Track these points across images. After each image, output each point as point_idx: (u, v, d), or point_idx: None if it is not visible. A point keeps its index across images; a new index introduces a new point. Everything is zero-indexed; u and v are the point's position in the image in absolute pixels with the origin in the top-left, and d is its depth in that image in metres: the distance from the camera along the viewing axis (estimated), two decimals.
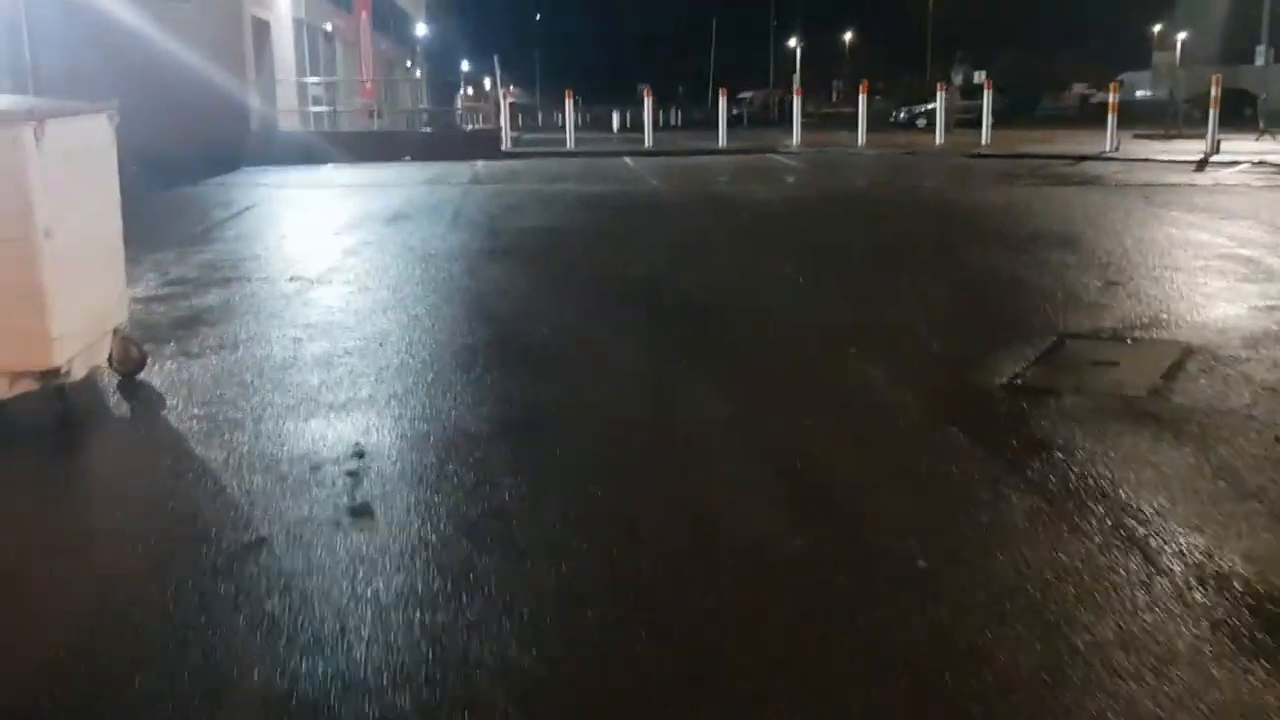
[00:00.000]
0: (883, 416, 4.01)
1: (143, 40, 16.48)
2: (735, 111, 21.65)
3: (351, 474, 3.38)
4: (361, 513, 3.08)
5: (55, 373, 3.79)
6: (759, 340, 5.36)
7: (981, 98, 20.77)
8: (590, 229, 9.93)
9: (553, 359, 4.97)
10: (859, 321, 5.68)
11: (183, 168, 15.85)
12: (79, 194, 4.04)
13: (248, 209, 11.36)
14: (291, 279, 7.03)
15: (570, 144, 20.97)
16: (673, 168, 17.14)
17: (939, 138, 20.87)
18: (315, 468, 3.44)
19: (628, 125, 38.58)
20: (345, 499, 3.18)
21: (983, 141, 19.65)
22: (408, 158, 18.14)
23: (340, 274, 7.25)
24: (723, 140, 20.98)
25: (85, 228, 4.09)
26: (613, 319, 5.86)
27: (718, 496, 3.21)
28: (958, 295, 6.44)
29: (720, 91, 22.33)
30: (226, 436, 3.79)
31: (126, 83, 16.71)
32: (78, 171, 4.04)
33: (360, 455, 3.55)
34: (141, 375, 4.58)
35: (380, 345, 5.12)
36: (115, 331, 4.49)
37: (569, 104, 21.35)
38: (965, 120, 22.09)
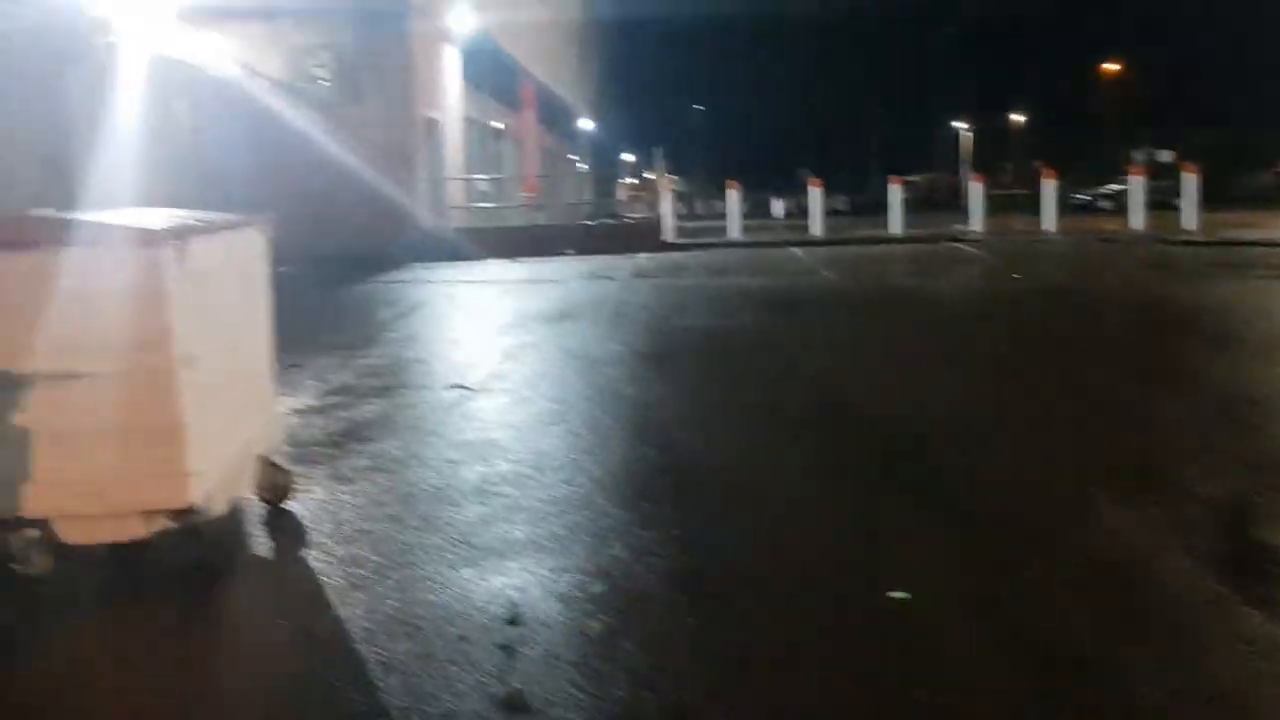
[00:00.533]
0: (1187, 612, 3.24)
1: (316, 140, 17.26)
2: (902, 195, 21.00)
3: (504, 648, 2.89)
4: (514, 707, 2.57)
5: (192, 511, 3.48)
6: (984, 483, 4.53)
7: (1172, 178, 19.33)
8: (762, 329, 9.40)
9: (733, 495, 4.40)
10: (1110, 458, 4.76)
11: (355, 265, 16.33)
12: (226, 314, 3.81)
13: (414, 308, 11.40)
14: (452, 387, 6.76)
15: (734, 234, 20.67)
16: (845, 258, 16.52)
17: (1135, 222, 19.50)
18: (463, 638, 2.97)
19: (794, 211, 38.29)
20: (495, 685, 2.68)
21: (1186, 226, 18.19)
22: (570, 251, 18.19)
23: (501, 381, 6.96)
24: (896, 226, 20.24)
25: (232, 350, 3.84)
26: (798, 443, 5.25)
27: None
28: (1227, 422, 5.39)
29: (890, 178, 21.68)
30: (369, 588, 3.38)
31: (299, 182, 17.55)
32: (225, 289, 3.81)
33: (514, 621, 3.06)
34: (289, 503, 4.28)
35: (540, 471, 4.69)
36: (262, 457, 4.21)
37: (732, 193, 21.12)
38: (1153, 202, 20.59)
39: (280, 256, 14.23)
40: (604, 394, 6.47)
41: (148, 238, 3.31)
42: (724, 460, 4.91)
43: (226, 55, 16.74)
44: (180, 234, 3.39)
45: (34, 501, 3.34)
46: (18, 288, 3.29)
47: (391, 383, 7.04)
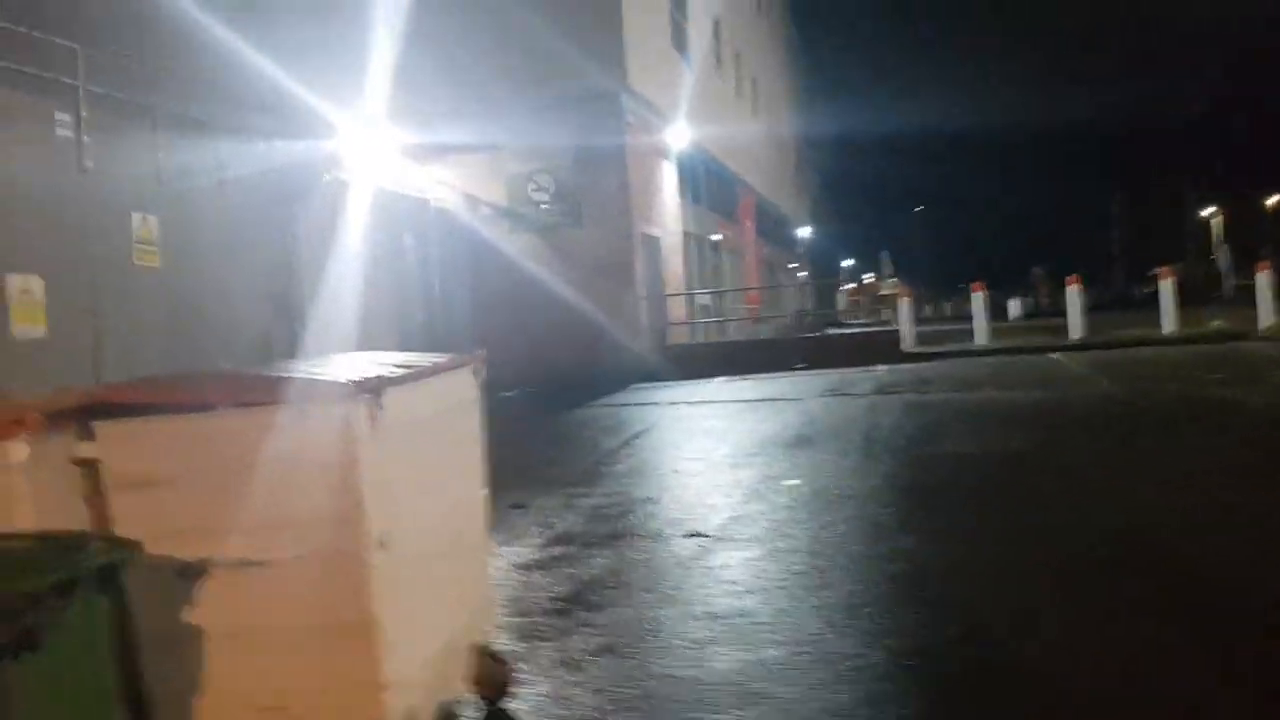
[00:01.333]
0: None
1: (536, 264, 17.40)
2: (1149, 290, 18.87)
3: None
4: None
5: None
6: None
7: None
8: (1045, 456, 8.12)
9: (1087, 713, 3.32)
10: None
11: (577, 388, 16.11)
12: (431, 476, 3.19)
13: (638, 435, 10.82)
14: (689, 534, 5.98)
15: (980, 339, 19.20)
16: (1117, 362, 14.80)
17: None
18: None
19: (1033, 311, 35.98)
20: None
21: None
22: (801, 365, 17.33)
23: (744, 526, 6.11)
24: (1170, 324, 18.18)
25: (439, 520, 3.21)
26: (1136, 626, 4.09)
27: None
28: None
29: (1159, 270, 19.68)
30: None
31: (520, 306, 17.72)
32: (431, 447, 3.20)
33: None
34: (507, 700, 3.56)
35: (813, 661, 3.78)
36: (476, 646, 3.52)
37: (977, 296, 19.72)
38: None
39: (502, 381, 13.79)
40: (871, 545, 5.50)
41: (333, 392, 2.73)
42: (1051, 654, 3.83)
43: (449, 186, 17.27)
44: (374, 386, 2.80)
45: None
46: (184, 459, 2.77)
47: (620, 528, 6.34)
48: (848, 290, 54.46)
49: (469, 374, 3.65)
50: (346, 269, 10.51)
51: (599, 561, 5.55)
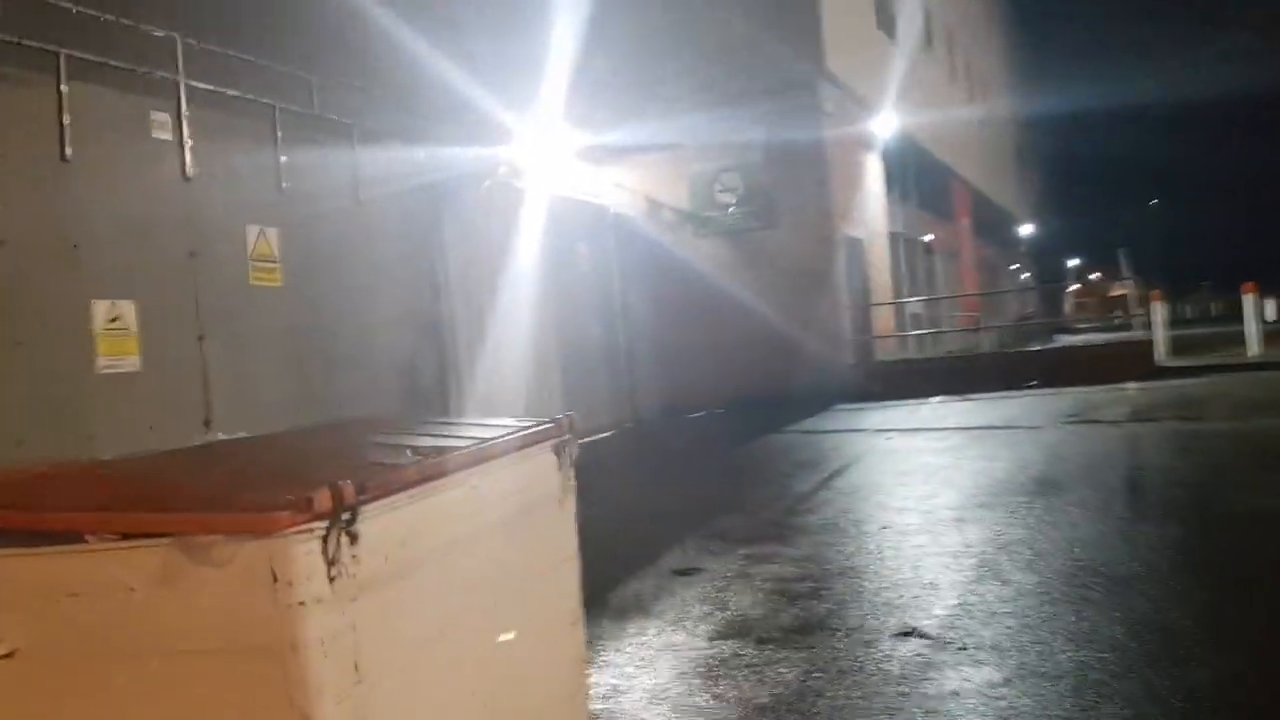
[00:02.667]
0: None
1: (723, 269, 16.16)
2: None
3: None
4: None
5: None
6: None
7: None
8: None
9: None
10: None
11: (769, 410, 14.78)
12: (469, 625, 1.99)
13: (838, 472, 9.38)
14: (903, 632, 4.57)
15: (1254, 350, 16.55)
16: None
17: None
18: None
19: None
20: None
21: None
22: (1032, 382, 15.33)
23: (978, 623, 4.64)
24: None
25: (481, 683, 2.01)
26: None
27: None
28: None
29: None
30: None
31: (706, 318, 16.53)
32: (468, 581, 2.00)
33: None
34: None
35: None
36: None
37: (1248, 299, 17.02)
38: None
39: (687, 403, 12.51)
40: (1176, 668, 3.93)
41: (255, 525, 1.56)
42: None
43: (627, 190, 16.30)
44: (339, 506, 1.61)
45: None
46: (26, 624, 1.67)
47: (811, 616, 4.98)
48: (1073, 291, 50.51)
49: (548, 454, 2.44)
50: (511, 283, 9.61)
51: (780, 674, 4.23)
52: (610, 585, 5.94)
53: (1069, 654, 4.15)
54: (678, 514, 8.17)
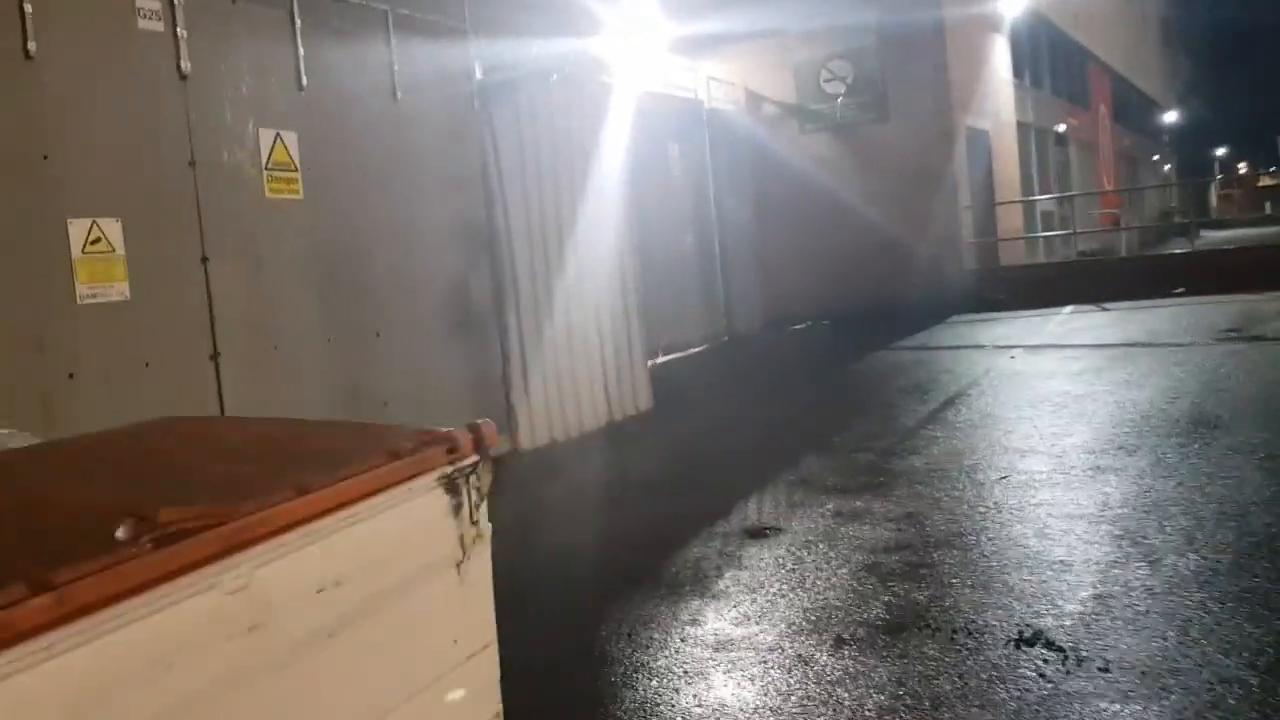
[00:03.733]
0: None
1: (830, 167, 14.82)
2: None
3: None
4: None
5: None
6: None
7: None
8: None
9: None
10: None
11: (879, 321, 13.59)
12: None
13: (952, 400, 8.24)
14: (1022, 640, 3.56)
15: None
16: None
17: None
18: None
19: None
20: None
21: None
22: (1179, 291, 13.71)
23: (1118, 629, 3.59)
24: None
25: None
26: None
27: None
28: None
29: None
30: None
31: (809, 223, 15.26)
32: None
33: None
34: None
35: None
36: None
37: None
38: None
39: (789, 313, 11.21)
40: None
41: None
42: None
43: (723, 83, 14.99)
44: None
45: None
46: None
47: (905, 607, 4.00)
48: (1217, 184, 46.85)
49: (432, 495, 1.50)
50: (586, 190, 8.62)
51: (854, 699, 3.28)
52: (668, 547, 5.06)
53: (1255, 682, 3.09)
54: (762, 450, 7.22)
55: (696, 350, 13.02)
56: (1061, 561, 4.32)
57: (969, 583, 4.18)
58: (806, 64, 15.41)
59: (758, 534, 5.14)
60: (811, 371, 11.06)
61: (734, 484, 6.19)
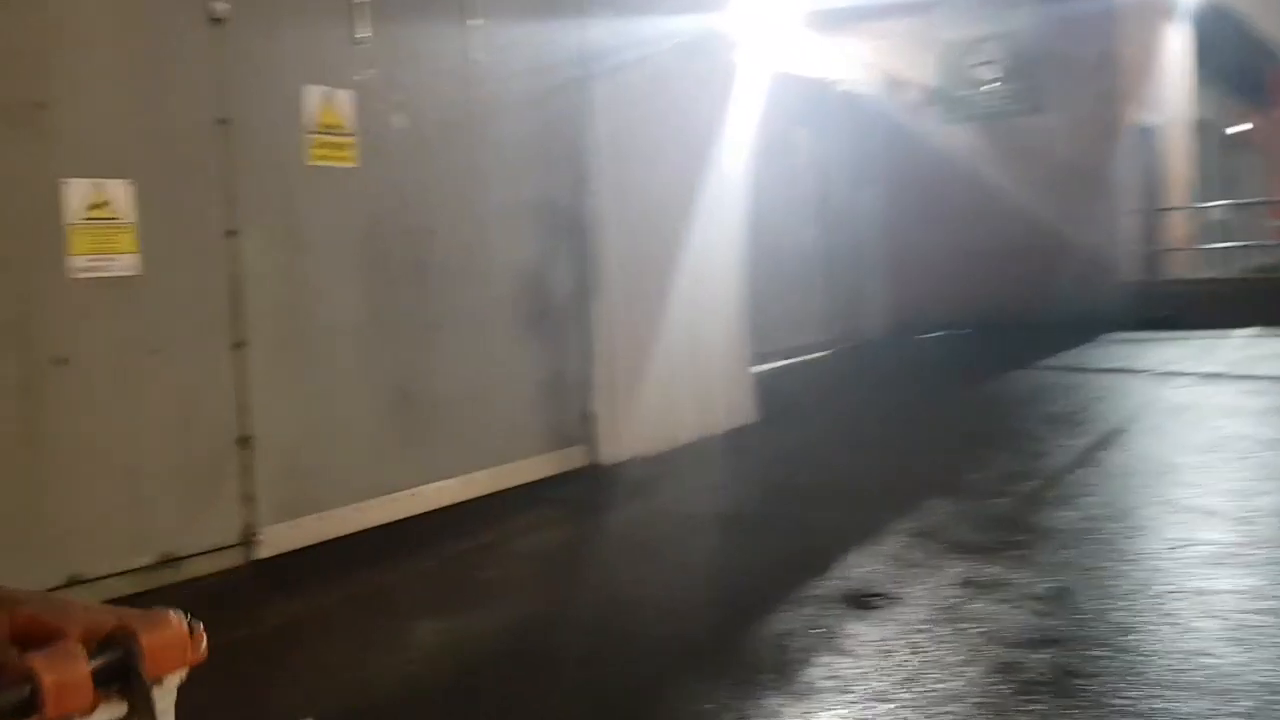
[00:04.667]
0: None
1: (975, 161, 13.52)
2: None
3: None
4: None
5: None
6: None
7: None
8: None
9: None
10: None
11: (1023, 334, 12.29)
12: None
13: (1108, 438, 7.03)
14: None
15: None
16: None
17: None
18: None
19: None
20: None
21: None
22: None
23: None
24: None
25: None
26: None
27: None
28: None
29: None
30: None
31: (951, 218, 13.94)
32: None
33: None
34: None
35: None
36: None
37: None
38: None
39: (922, 319, 9.97)
40: None
41: None
42: None
43: (860, 64, 13.84)
44: None
45: None
46: None
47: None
48: None
49: None
50: (693, 175, 7.72)
51: None
52: (747, 610, 4.12)
53: None
54: (876, 485, 6.19)
55: (812, 357, 11.96)
56: (1264, 684, 3.21)
57: (1139, 710, 3.12)
58: (953, 46, 14.12)
59: (862, 602, 4.16)
60: (942, 388, 9.90)
61: (838, 528, 5.20)
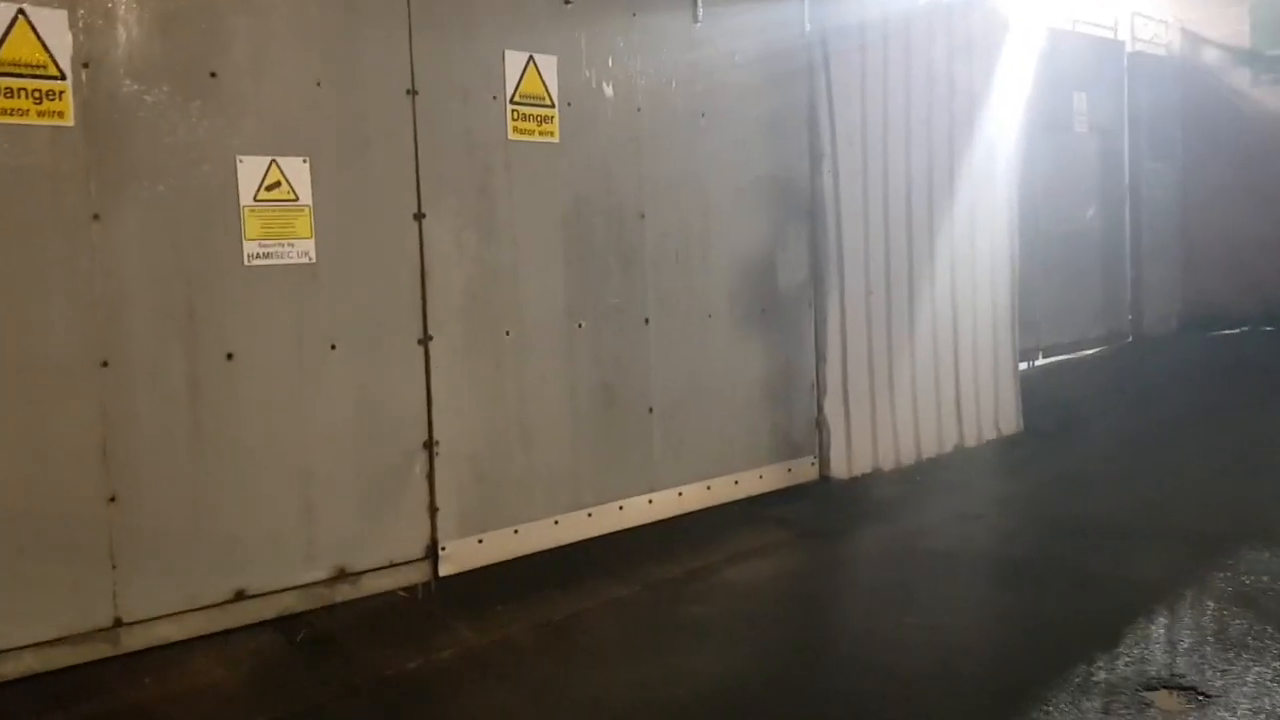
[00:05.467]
0: None
1: None
2: None
3: None
4: None
5: None
6: None
7: None
8: None
9: None
10: None
11: None
12: None
13: None
14: None
15: None
16: None
17: None
18: None
19: None
20: None
21: None
22: None
23: None
24: None
25: None
26: None
27: None
28: None
29: None
30: None
31: (1259, 198, 12.04)
32: None
33: None
34: None
35: None
36: None
37: None
38: None
39: (1221, 313, 8.88)
40: None
41: None
42: None
43: (1153, 20, 12.15)
44: None
45: None
46: None
47: None
48: None
49: None
50: (953, 148, 6.77)
51: None
52: (1007, 698, 3.24)
53: None
54: (1173, 524, 5.07)
55: (1089, 354, 10.54)
56: None
57: None
58: None
59: (1163, 692, 3.19)
60: (1248, 398, 8.37)
61: (1129, 583, 4.18)
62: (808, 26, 5.95)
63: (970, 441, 6.80)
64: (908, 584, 4.49)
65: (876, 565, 4.84)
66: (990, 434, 6.98)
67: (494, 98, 4.65)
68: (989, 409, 7.00)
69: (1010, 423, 7.16)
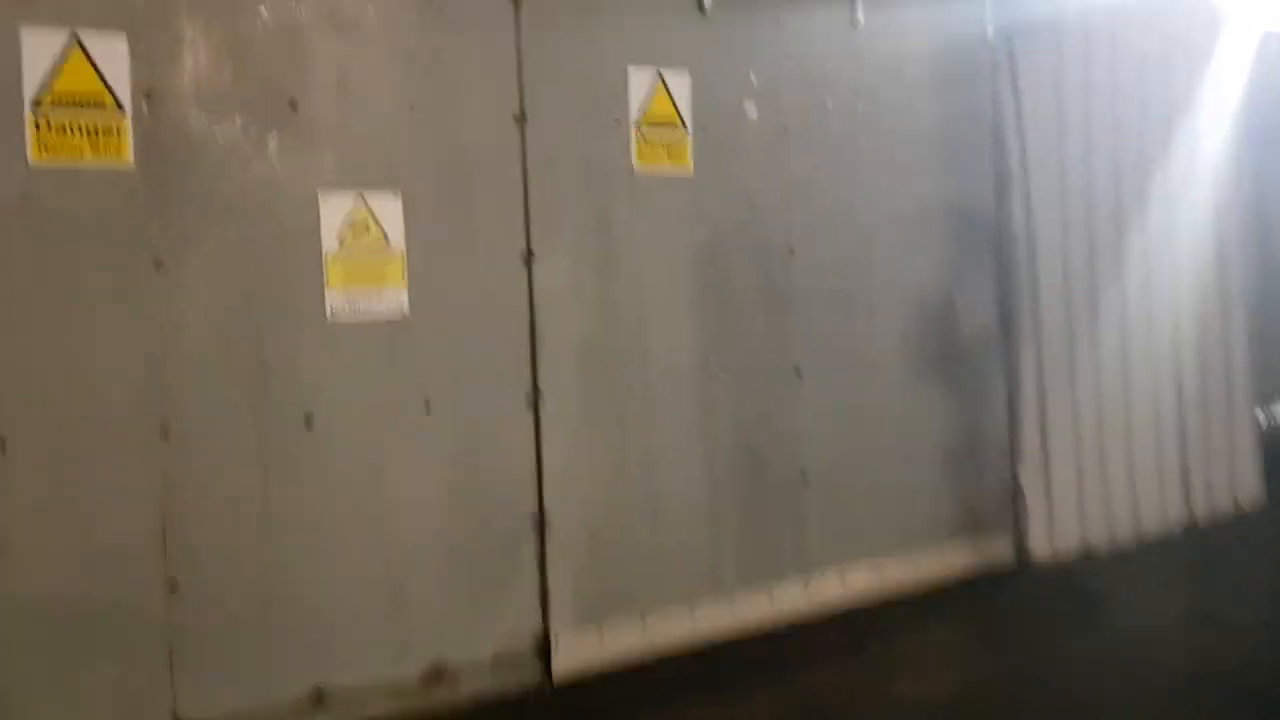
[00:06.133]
0: None
1: None
2: None
3: None
4: None
5: None
6: None
7: None
8: None
9: None
10: None
11: None
12: None
13: None
14: None
15: None
16: None
17: None
18: None
19: None
20: None
21: None
22: None
23: None
24: None
25: None
26: None
27: None
28: None
29: None
30: None
31: None
32: None
33: None
34: None
35: None
36: None
37: None
38: None
39: None
40: None
41: None
42: None
43: None
44: None
45: None
46: None
47: None
48: None
49: None
50: (1168, 167, 5.82)
51: None
52: None
53: None
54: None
55: None
56: None
57: None
58: None
59: None
60: None
61: None
62: (990, 34, 5.17)
63: (1199, 513, 5.73)
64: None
65: (1090, 683, 3.90)
66: (1225, 505, 5.89)
67: (616, 121, 4.09)
68: (1222, 476, 5.91)
69: (1249, 492, 6.03)
